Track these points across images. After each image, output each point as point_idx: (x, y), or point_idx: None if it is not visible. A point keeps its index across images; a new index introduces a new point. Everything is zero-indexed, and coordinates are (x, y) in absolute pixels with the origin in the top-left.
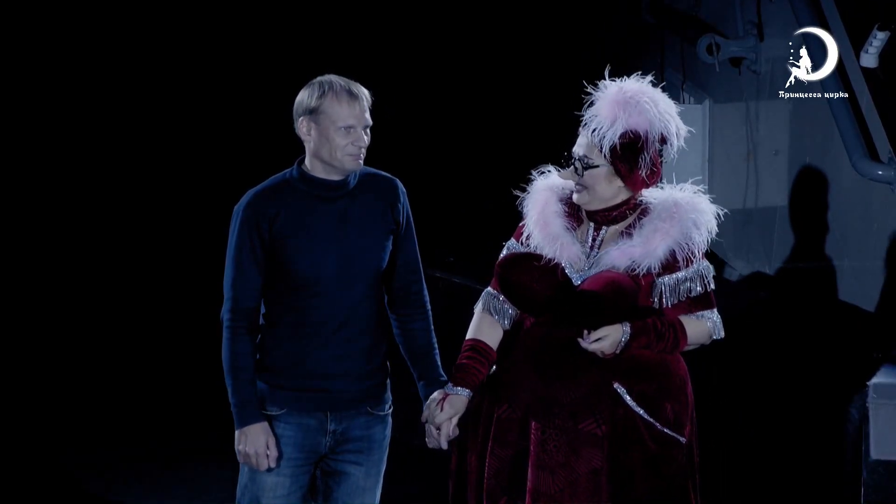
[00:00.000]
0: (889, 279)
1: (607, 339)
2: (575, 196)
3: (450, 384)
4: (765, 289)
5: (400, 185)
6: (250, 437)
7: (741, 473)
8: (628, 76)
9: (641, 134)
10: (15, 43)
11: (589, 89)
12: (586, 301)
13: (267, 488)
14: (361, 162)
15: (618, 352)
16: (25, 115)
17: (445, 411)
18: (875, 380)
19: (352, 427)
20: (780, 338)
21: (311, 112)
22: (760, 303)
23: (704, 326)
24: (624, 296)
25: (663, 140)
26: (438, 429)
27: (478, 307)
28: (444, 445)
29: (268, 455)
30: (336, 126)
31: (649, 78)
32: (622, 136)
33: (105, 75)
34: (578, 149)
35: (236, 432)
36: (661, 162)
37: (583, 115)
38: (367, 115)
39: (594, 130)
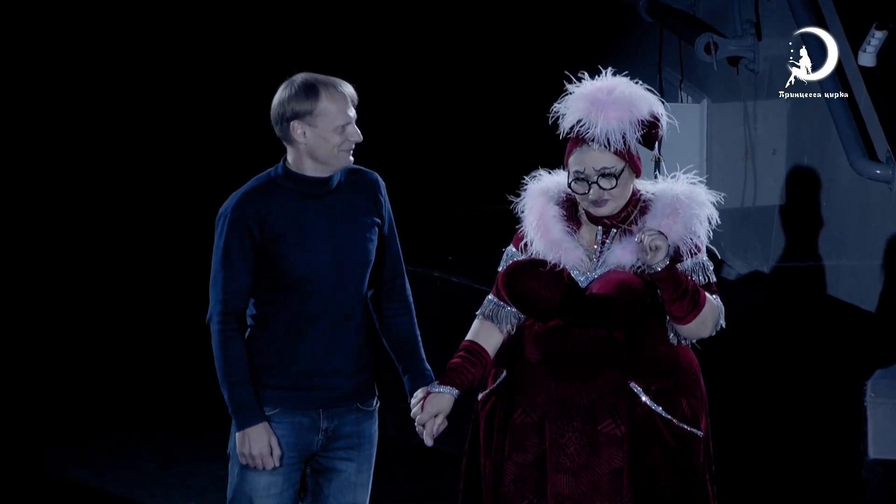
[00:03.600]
0: (887, 278)
1: (661, 250)
2: (596, 210)
3: (435, 383)
4: (762, 288)
5: (380, 179)
6: (254, 439)
7: (738, 473)
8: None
9: (644, 118)
10: (15, 43)
11: (557, 107)
12: (597, 304)
13: (260, 487)
14: (351, 155)
15: (659, 259)
16: (24, 114)
17: (426, 411)
18: (872, 379)
19: (343, 423)
20: (777, 337)
21: (305, 115)
22: (758, 302)
23: (714, 304)
24: (635, 295)
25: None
26: (423, 426)
27: (478, 313)
28: (429, 443)
29: (272, 454)
30: (334, 125)
31: (609, 72)
32: (641, 127)
33: (102, 75)
34: (593, 166)
35: (237, 434)
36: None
37: (572, 134)
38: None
39: (608, 138)
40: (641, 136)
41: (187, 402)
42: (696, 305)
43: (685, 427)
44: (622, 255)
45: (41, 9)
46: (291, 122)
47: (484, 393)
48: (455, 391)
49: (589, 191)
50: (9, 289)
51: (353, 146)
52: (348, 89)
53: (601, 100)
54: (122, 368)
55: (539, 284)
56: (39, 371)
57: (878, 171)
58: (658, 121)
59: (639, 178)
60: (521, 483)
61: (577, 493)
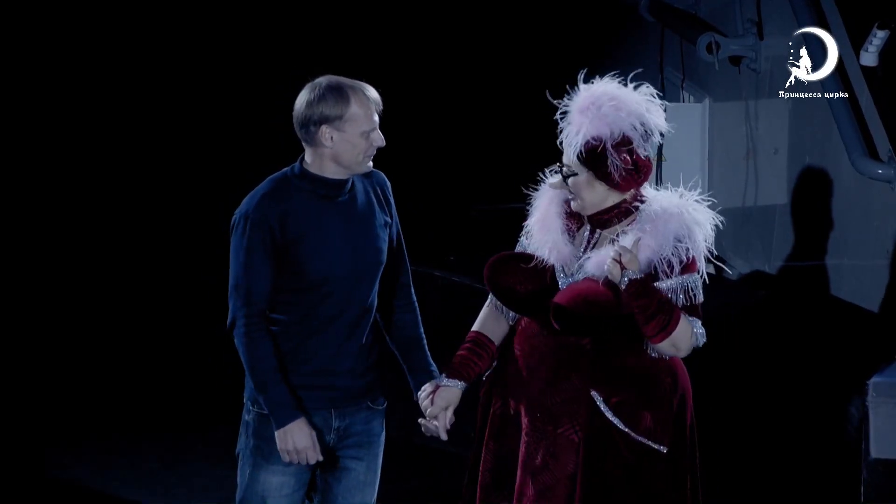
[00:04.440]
0: (888, 278)
1: (631, 257)
2: (572, 204)
3: (443, 375)
4: (764, 287)
5: (386, 178)
6: (296, 434)
7: (740, 473)
8: (601, 76)
9: (603, 138)
10: (15, 43)
11: (563, 100)
12: (557, 312)
13: (273, 488)
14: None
15: (620, 279)
16: (25, 115)
17: (437, 403)
18: (874, 378)
19: (354, 422)
20: (779, 336)
21: (335, 119)
22: (760, 301)
23: (689, 326)
24: (596, 307)
25: (627, 141)
26: (435, 420)
27: (487, 300)
28: (444, 436)
29: (314, 448)
30: (361, 130)
31: (618, 79)
32: (585, 144)
33: (105, 75)
34: (564, 158)
35: (277, 433)
36: (643, 159)
37: (560, 125)
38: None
39: (564, 140)
40: (584, 151)
41: (188, 401)
42: (665, 328)
43: (644, 441)
44: (594, 264)
45: (41, 9)
46: (321, 127)
47: (484, 379)
48: (463, 384)
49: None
50: (10, 289)
51: (376, 151)
52: (374, 94)
53: (582, 102)
54: (123, 368)
55: (517, 280)
56: (40, 371)
57: (880, 171)
58: (605, 146)
59: (621, 191)
60: (495, 474)
61: (531, 493)
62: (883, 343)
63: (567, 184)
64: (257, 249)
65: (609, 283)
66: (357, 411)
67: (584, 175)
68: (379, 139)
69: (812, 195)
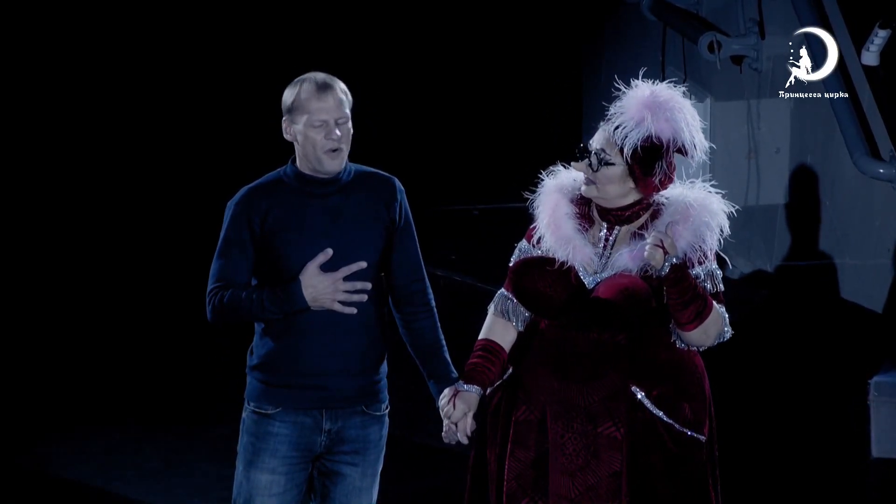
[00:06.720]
0: (890, 277)
1: (671, 242)
2: (583, 188)
3: (460, 381)
4: (766, 287)
5: (398, 183)
6: (316, 288)
7: (741, 472)
8: (661, 80)
9: (664, 141)
10: (15, 43)
11: (620, 85)
12: (600, 308)
13: (261, 486)
14: (341, 161)
15: (662, 265)
16: (25, 114)
17: (458, 408)
18: (876, 378)
19: (347, 426)
20: (781, 336)
21: (290, 111)
22: (761, 301)
23: (718, 314)
24: (638, 300)
25: (682, 151)
26: (456, 425)
27: (491, 308)
28: (465, 441)
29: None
30: (310, 121)
31: (682, 87)
32: (645, 139)
33: (104, 75)
34: (596, 143)
35: (308, 307)
36: (673, 173)
37: (609, 110)
38: (344, 108)
39: (618, 128)
40: (641, 147)
41: (190, 400)
42: (700, 315)
43: (687, 432)
44: (629, 258)
45: (41, 9)
46: (283, 119)
47: (491, 388)
48: (480, 390)
49: (579, 160)
50: (10, 287)
51: (338, 149)
52: (334, 87)
53: (649, 97)
54: (125, 366)
55: (545, 283)
56: (41, 369)
57: (882, 170)
58: (667, 150)
59: (646, 193)
60: (523, 480)
61: (573, 495)
62: (885, 342)
63: (595, 170)
64: (233, 241)
65: (644, 276)
66: (351, 415)
67: (621, 168)
68: (332, 132)
69: (814, 194)
